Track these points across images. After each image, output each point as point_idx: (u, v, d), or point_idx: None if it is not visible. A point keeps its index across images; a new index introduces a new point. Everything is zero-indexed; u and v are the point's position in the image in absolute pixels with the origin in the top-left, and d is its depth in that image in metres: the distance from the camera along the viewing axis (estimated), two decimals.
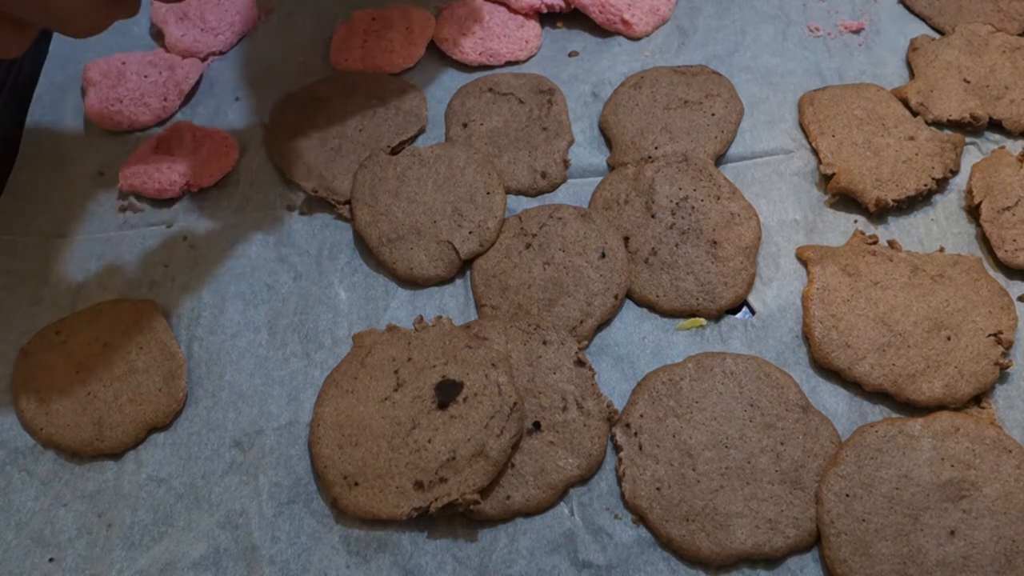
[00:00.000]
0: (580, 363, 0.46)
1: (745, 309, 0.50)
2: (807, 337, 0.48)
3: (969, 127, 0.57)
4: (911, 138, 0.55)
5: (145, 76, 0.61)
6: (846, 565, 0.40)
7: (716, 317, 0.50)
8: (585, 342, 0.48)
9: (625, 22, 0.63)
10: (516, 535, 0.43)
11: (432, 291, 0.52)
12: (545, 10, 0.64)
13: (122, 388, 0.47)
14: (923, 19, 0.64)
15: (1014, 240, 0.50)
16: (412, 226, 0.52)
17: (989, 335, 0.46)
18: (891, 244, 0.51)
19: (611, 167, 0.56)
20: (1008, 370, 0.46)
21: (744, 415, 0.45)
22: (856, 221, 0.53)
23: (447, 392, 0.44)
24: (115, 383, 0.47)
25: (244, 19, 0.65)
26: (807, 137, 0.57)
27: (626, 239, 0.52)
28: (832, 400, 0.46)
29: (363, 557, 0.42)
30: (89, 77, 0.61)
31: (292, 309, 0.51)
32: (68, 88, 0.62)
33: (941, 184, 0.54)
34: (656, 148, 0.55)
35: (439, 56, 0.63)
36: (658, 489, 0.43)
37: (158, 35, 0.65)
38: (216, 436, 0.46)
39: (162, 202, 0.56)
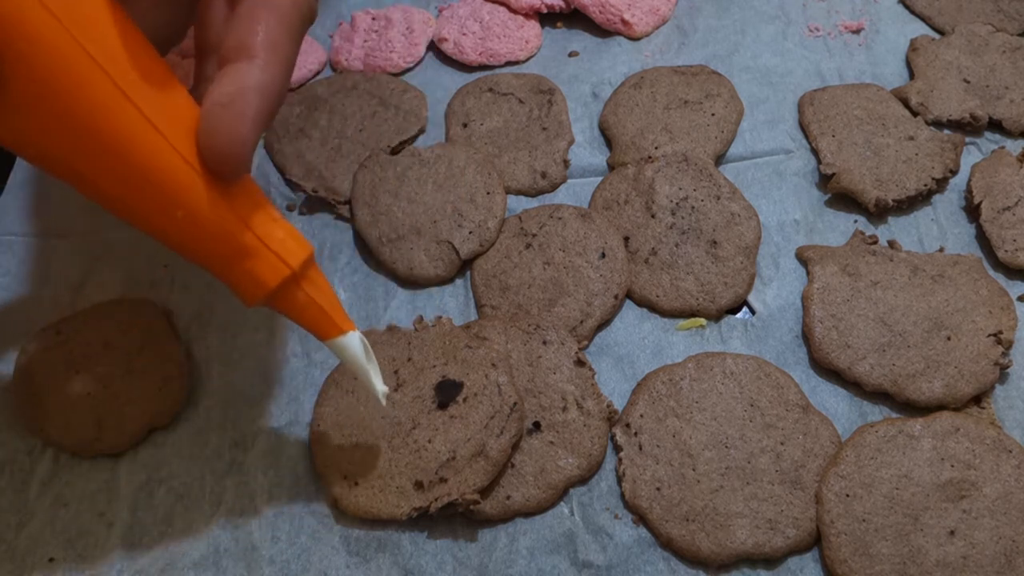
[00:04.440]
0: (580, 363, 0.46)
1: (745, 309, 0.50)
2: (807, 337, 0.48)
3: (969, 127, 0.57)
4: (911, 138, 0.55)
5: None
6: (846, 565, 0.40)
7: (716, 317, 0.50)
8: (585, 342, 0.48)
9: (625, 22, 0.63)
10: (516, 535, 0.43)
11: (432, 291, 0.52)
12: (545, 10, 0.64)
13: (122, 388, 0.47)
14: (923, 19, 0.64)
15: (1014, 240, 0.50)
16: (412, 226, 0.52)
17: (989, 335, 0.46)
18: (891, 244, 0.51)
19: (611, 167, 0.56)
20: (1008, 370, 0.46)
21: (744, 415, 0.44)
22: (856, 221, 0.53)
23: (447, 392, 0.44)
24: (115, 383, 0.47)
25: None
26: (807, 137, 0.57)
27: (626, 239, 0.52)
28: (832, 400, 0.46)
29: (363, 557, 0.42)
30: None
31: None
32: None
33: (941, 184, 0.54)
34: (656, 148, 0.55)
35: (439, 56, 0.63)
36: (658, 489, 0.43)
37: None
38: (216, 436, 0.46)
39: None
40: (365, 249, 0.53)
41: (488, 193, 0.53)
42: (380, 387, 0.39)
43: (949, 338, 0.46)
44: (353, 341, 0.38)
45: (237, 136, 0.33)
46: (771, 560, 0.42)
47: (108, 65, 0.31)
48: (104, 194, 0.33)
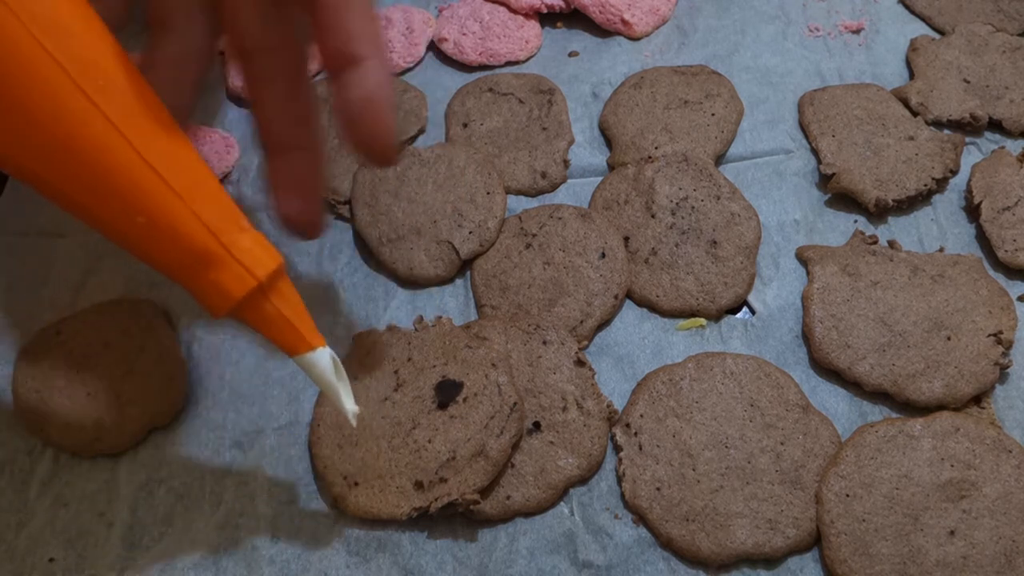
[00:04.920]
0: (580, 363, 0.46)
1: (745, 309, 0.50)
2: (807, 337, 0.48)
3: (969, 127, 0.57)
4: (911, 138, 0.55)
5: None
6: (846, 565, 0.40)
7: (716, 317, 0.50)
8: (585, 342, 0.48)
9: (625, 22, 0.63)
10: (516, 535, 0.43)
11: (432, 291, 0.52)
12: (545, 10, 0.64)
13: (122, 388, 0.47)
14: (923, 19, 0.64)
15: (1014, 240, 0.50)
16: (412, 226, 0.52)
17: (989, 335, 0.46)
18: (891, 244, 0.51)
19: (611, 167, 0.56)
20: (1008, 370, 0.46)
21: (744, 415, 0.45)
22: (856, 221, 0.53)
23: (447, 392, 0.44)
24: (115, 383, 0.47)
25: None
26: (807, 137, 0.57)
27: (626, 239, 0.52)
28: (832, 400, 0.46)
29: (363, 557, 0.42)
30: None
31: None
32: None
33: (941, 184, 0.54)
34: (656, 148, 0.55)
35: (439, 56, 0.63)
36: (658, 489, 0.43)
37: None
38: (216, 436, 0.46)
39: None
40: (365, 249, 0.53)
41: (488, 193, 0.53)
42: (350, 407, 0.37)
43: (949, 338, 0.46)
44: (322, 358, 0.36)
45: (385, 134, 0.36)
46: (771, 560, 0.42)
47: (67, 62, 0.29)
48: (63, 196, 0.32)
